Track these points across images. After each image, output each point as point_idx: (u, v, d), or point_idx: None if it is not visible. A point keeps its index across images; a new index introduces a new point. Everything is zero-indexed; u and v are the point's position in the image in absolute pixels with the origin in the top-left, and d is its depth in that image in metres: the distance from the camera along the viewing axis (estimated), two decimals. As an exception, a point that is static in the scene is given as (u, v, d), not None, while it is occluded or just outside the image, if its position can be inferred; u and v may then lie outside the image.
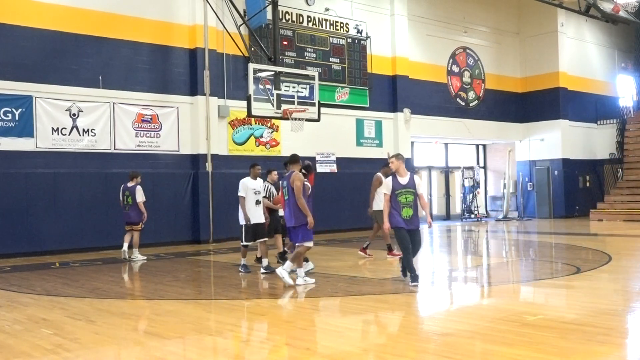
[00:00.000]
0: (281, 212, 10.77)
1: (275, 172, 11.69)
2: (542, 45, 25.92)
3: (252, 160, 18.11)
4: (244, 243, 10.72)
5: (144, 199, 13.20)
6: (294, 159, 9.59)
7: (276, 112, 13.96)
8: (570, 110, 26.00)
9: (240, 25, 15.86)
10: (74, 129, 15.23)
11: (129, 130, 16.10)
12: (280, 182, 9.73)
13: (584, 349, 5.43)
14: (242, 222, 10.60)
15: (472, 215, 25.06)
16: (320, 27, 19.95)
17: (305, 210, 9.02)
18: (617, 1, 19.48)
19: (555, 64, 25.69)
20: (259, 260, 11.49)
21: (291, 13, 19.24)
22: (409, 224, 8.67)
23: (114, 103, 15.84)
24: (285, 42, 18.69)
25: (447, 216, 25.75)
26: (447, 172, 26.01)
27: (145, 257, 13.45)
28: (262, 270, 10.52)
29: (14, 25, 14.49)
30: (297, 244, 9.27)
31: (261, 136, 18.47)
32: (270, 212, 11.22)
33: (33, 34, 14.72)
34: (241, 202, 10.54)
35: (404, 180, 8.75)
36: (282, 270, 9.01)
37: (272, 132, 18.69)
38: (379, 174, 12.34)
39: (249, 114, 14.02)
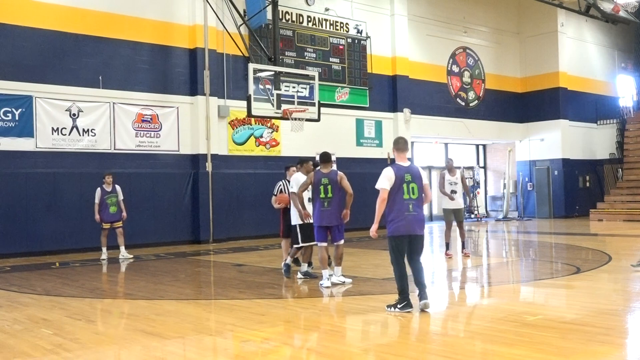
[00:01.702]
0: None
1: (294, 169, 11.44)
2: (542, 45, 25.92)
3: (252, 160, 18.28)
4: (300, 245, 9.75)
5: (95, 201, 13.30)
6: (328, 157, 9.17)
7: (276, 112, 13.98)
8: (570, 110, 25.99)
9: (240, 25, 15.86)
10: (74, 129, 15.23)
11: (129, 130, 16.10)
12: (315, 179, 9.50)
13: (584, 349, 5.43)
14: (294, 221, 9.73)
15: (472, 215, 25.06)
16: (320, 27, 19.95)
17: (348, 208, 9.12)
18: (617, 1, 19.50)
19: (555, 64, 25.69)
20: (296, 261, 11.34)
21: (291, 13, 19.24)
22: None
23: (114, 103, 15.84)
24: (285, 42, 18.69)
25: (447, 216, 25.70)
26: (447, 172, 25.96)
27: (105, 258, 13.26)
28: (299, 275, 9.90)
29: (14, 25, 14.49)
30: (335, 244, 9.29)
31: (261, 136, 18.47)
32: (284, 212, 10.47)
33: (33, 34, 14.72)
34: (293, 198, 9.58)
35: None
36: (336, 278, 9.04)
37: (272, 132, 18.69)
38: (445, 171, 12.53)
39: (249, 114, 14.04)
